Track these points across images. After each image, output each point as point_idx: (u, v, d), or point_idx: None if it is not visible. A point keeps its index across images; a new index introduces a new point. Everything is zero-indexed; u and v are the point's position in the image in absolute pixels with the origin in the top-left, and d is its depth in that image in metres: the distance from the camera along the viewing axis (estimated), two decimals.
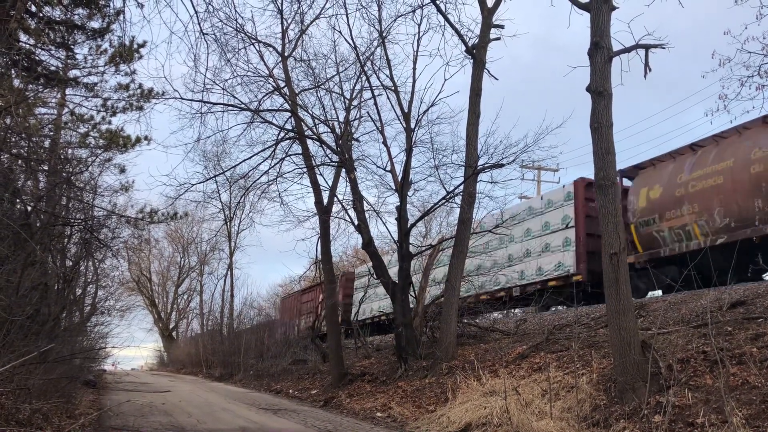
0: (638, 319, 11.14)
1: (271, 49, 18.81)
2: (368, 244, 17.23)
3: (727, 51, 10.85)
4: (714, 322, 9.50)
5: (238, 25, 16.02)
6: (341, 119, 18.19)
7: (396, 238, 16.94)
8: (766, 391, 7.13)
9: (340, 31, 22.88)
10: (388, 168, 17.22)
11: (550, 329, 14.07)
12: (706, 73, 10.46)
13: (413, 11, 16.63)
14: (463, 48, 16.10)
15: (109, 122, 15.40)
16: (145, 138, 15.22)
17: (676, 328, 10.24)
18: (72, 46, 13.49)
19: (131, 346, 29.26)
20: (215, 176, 18.80)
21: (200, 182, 18.04)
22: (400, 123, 17.07)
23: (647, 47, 9.78)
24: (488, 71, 16.02)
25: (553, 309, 18.01)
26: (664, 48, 9.74)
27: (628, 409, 8.18)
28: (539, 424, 8.57)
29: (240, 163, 19.12)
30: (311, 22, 18.68)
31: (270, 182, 18.69)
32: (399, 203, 16.57)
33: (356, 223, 17.43)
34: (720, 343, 8.79)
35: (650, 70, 9.83)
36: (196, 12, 10.18)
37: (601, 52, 9.68)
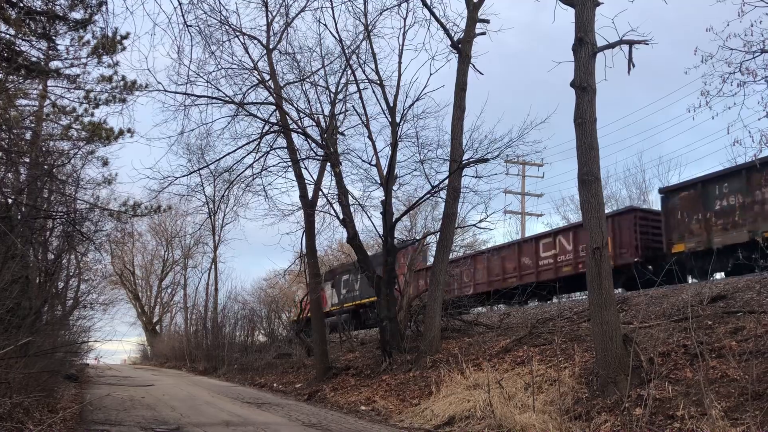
0: (620, 313, 11.26)
1: (255, 41, 18.71)
2: (353, 237, 17.23)
3: (710, 47, 10.92)
4: (694, 316, 9.64)
5: (222, 17, 15.93)
6: (326, 113, 18.13)
7: (381, 233, 16.95)
8: (744, 384, 7.23)
9: (325, 24, 22.76)
10: (374, 162, 17.22)
11: (533, 323, 14.18)
12: (688, 69, 10.44)
13: (399, 5, 16.62)
14: (449, 42, 16.13)
15: (92, 114, 15.14)
16: (128, 130, 14.99)
17: (658, 322, 10.36)
18: (54, 37, 13.25)
19: (114, 340, 29.03)
20: (199, 169, 18.70)
21: (184, 175, 18.03)
22: (386, 117, 17.05)
23: (631, 43, 9.85)
24: (473, 66, 16.07)
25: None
26: (647, 44, 9.81)
27: (610, 402, 8.26)
28: (522, 417, 8.64)
29: (224, 156, 18.98)
30: (296, 15, 18.61)
31: (254, 176, 18.67)
32: (384, 197, 16.58)
33: (341, 217, 17.43)
34: (700, 336, 8.92)
35: (634, 65, 9.91)
36: (180, 3, 10.12)
37: (585, 48, 9.73)
